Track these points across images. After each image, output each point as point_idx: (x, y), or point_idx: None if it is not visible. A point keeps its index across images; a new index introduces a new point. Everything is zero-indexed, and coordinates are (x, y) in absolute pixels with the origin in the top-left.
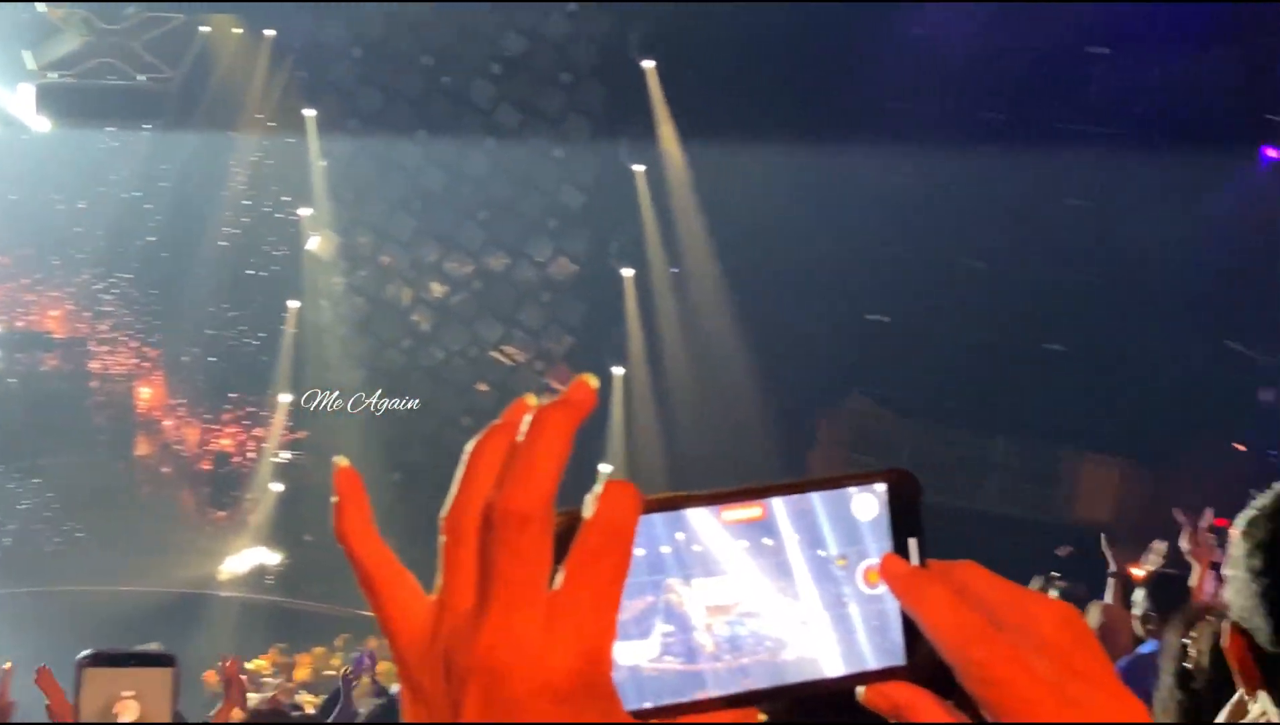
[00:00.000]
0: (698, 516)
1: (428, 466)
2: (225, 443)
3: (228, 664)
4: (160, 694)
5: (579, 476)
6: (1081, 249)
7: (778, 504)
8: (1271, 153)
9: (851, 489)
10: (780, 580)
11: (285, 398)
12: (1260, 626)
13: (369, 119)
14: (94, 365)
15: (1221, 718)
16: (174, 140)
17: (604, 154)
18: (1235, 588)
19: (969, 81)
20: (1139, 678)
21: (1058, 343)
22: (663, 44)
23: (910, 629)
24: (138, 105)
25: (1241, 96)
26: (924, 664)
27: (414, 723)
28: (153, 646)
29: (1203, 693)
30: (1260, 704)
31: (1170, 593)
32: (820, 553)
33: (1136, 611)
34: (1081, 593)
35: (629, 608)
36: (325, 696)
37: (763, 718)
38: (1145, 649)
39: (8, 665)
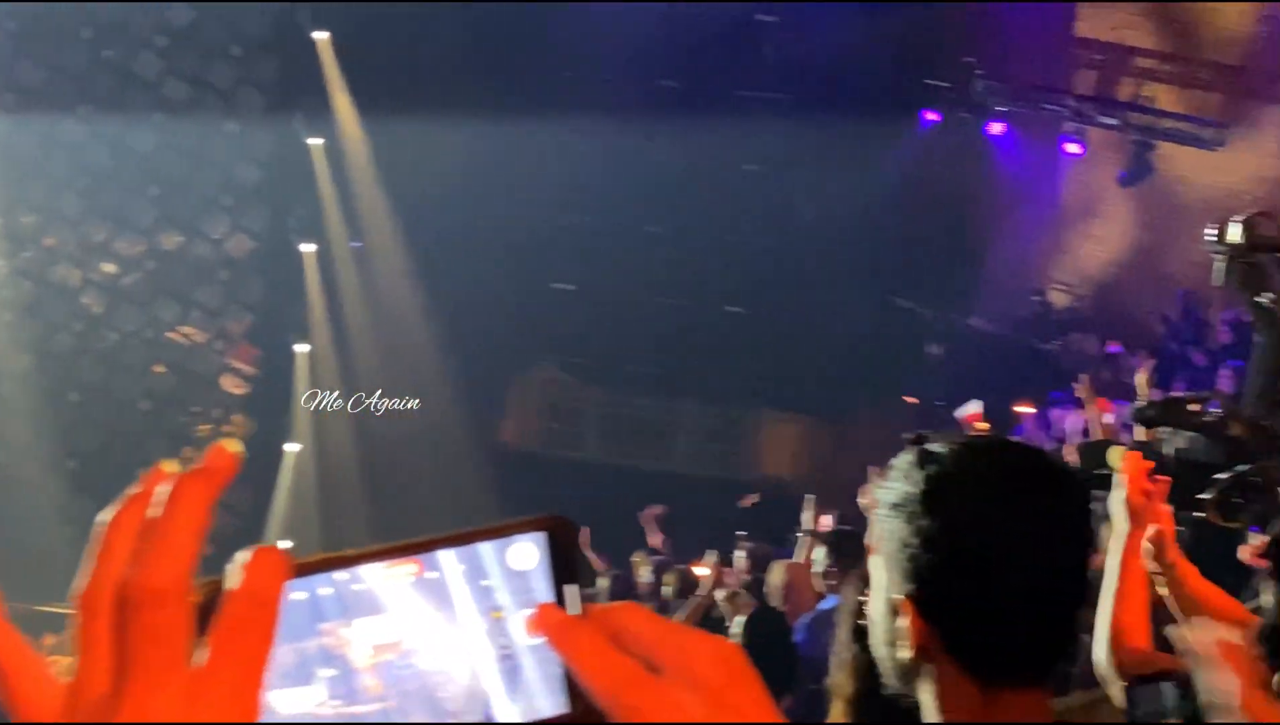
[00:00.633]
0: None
1: (103, 453)
2: None
3: None
4: None
5: (268, 458)
6: (758, 213)
7: (442, 557)
8: (931, 116)
9: (511, 538)
10: (447, 625)
11: None
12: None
13: (28, 95)
14: None
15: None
16: None
17: (279, 128)
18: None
19: (645, 50)
20: (821, 633)
21: (738, 306)
22: (335, 15)
23: (573, 676)
24: None
25: (903, 62)
26: (591, 710)
27: None
28: None
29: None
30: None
31: (849, 548)
32: (482, 603)
33: (817, 568)
34: (766, 551)
35: (288, 655)
36: None
37: None
38: (826, 604)
39: None
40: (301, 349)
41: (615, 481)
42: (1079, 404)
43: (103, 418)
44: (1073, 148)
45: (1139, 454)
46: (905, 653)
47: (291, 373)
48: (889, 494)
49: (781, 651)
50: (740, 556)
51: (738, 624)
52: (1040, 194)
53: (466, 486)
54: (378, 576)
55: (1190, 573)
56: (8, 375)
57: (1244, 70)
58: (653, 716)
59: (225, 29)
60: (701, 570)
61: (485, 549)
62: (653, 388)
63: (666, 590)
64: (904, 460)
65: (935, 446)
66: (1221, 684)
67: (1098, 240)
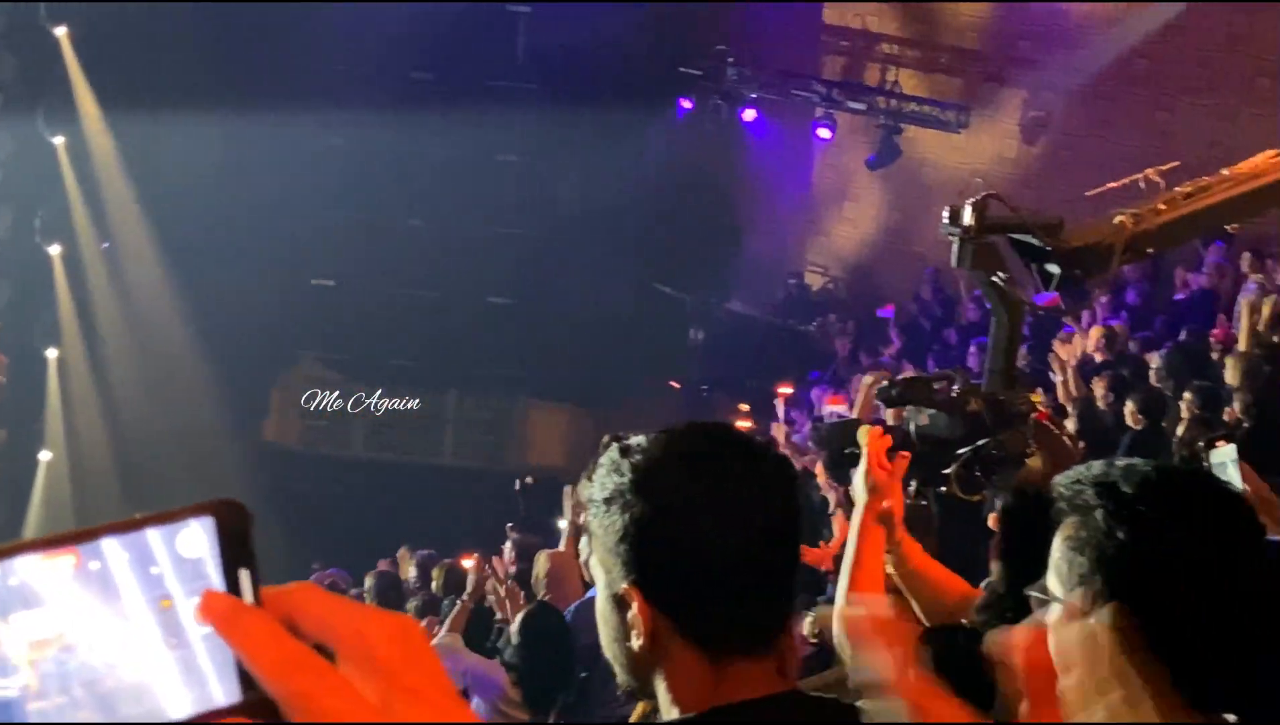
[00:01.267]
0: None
1: None
2: None
3: None
4: None
5: (24, 465)
6: (517, 203)
7: (105, 546)
8: (686, 103)
9: (179, 524)
10: (111, 618)
11: None
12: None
13: None
14: None
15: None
16: None
17: (19, 127)
18: None
19: (397, 42)
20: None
21: (502, 296)
22: (74, 9)
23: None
24: None
25: (657, 51)
26: (266, 699)
27: None
28: None
29: None
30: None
31: None
32: (151, 592)
33: (583, 557)
34: (535, 542)
35: None
36: None
37: None
38: (593, 593)
39: None
40: (52, 354)
41: (382, 477)
42: (838, 384)
43: None
44: (823, 132)
45: (879, 429)
46: (638, 642)
47: (44, 379)
48: (600, 490)
49: (561, 647)
50: (507, 548)
51: (516, 622)
52: (793, 178)
53: (229, 488)
54: (33, 569)
55: (914, 549)
56: None
57: (982, 55)
58: (325, 703)
59: None
60: (468, 563)
61: (154, 536)
62: (418, 382)
63: (434, 585)
64: (608, 457)
65: (634, 439)
66: (872, 662)
67: (850, 222)
